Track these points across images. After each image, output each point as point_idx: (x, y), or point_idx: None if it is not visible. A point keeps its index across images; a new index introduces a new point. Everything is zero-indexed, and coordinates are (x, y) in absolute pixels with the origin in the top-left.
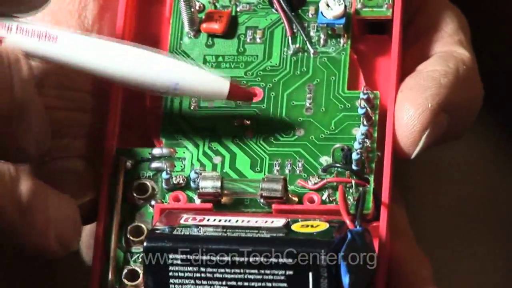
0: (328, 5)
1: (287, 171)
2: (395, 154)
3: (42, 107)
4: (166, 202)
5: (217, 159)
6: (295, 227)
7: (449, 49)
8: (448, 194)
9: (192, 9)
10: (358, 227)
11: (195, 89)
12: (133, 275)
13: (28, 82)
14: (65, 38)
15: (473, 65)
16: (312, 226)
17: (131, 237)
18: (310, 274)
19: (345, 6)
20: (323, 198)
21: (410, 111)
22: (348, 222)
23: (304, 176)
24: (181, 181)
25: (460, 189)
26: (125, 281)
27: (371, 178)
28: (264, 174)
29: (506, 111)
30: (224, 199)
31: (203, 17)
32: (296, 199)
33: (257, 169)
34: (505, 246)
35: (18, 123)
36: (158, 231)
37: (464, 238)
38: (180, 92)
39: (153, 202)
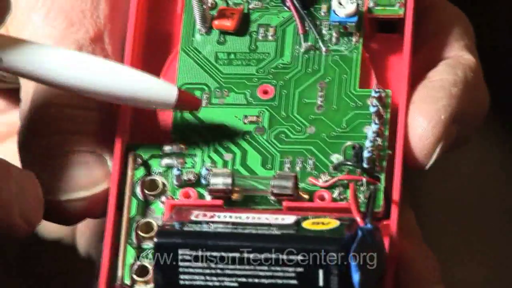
0: (340, 3)
1: (298, 169)
2: (408, 165)
3: None
4: (176, 198)
5: (227, 156)
6: (305, 224)
7: (456, 54)
8: (457, 198)
9: (204, 6)
10: (368, 224)
11: (140, 99)
12: (143, 271)
13: None
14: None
15: (479, 70)
16: (322, 223)
17: (141, 233)
18: (321, 272)
19: (358, 4)
20: (334, 196)
21: (424, 123)
22: (358, 219)
23: (315, 173)
24: (191, 178)
25: (469, 194)
26: (135, 277)
27: (382, 176)
28: (275, 171)
29: None
30: (234, 196)
31: (215, 14)
32: (306, 196)
33: (268, 166)
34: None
35: None
36: (168, 227)
37: (471, 243)
38: (124, 103)
39: (163, 198)
